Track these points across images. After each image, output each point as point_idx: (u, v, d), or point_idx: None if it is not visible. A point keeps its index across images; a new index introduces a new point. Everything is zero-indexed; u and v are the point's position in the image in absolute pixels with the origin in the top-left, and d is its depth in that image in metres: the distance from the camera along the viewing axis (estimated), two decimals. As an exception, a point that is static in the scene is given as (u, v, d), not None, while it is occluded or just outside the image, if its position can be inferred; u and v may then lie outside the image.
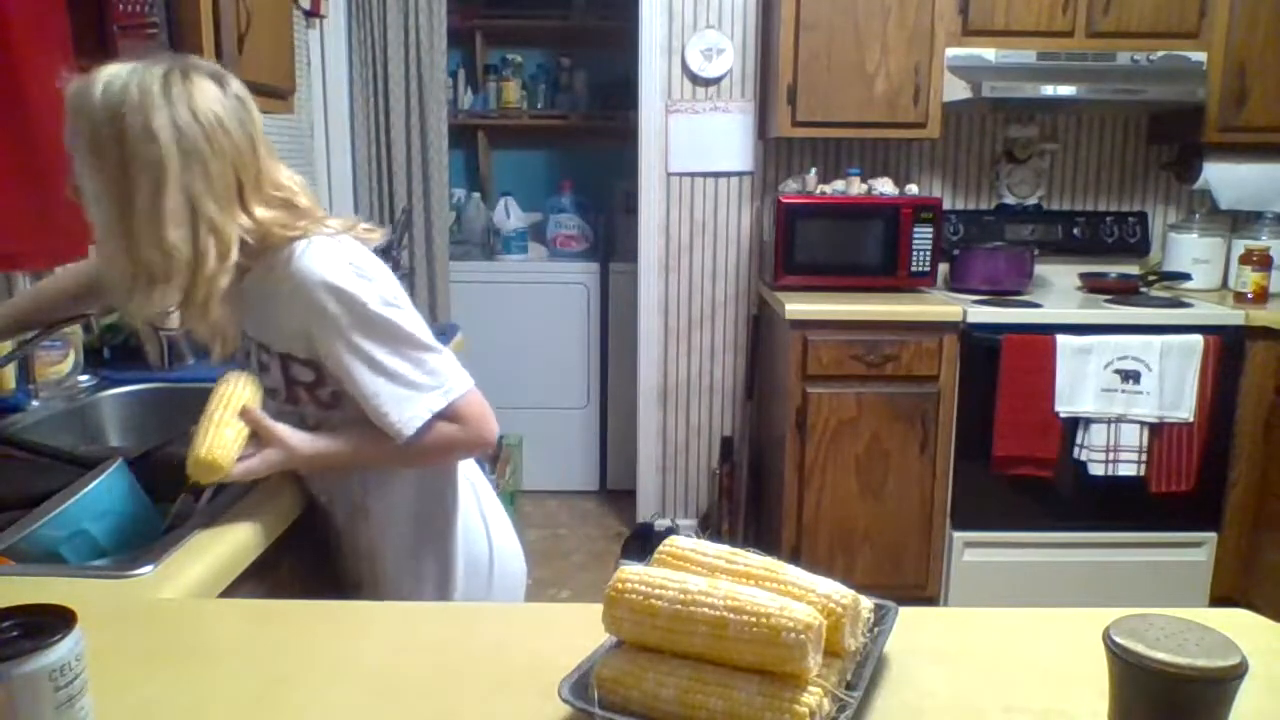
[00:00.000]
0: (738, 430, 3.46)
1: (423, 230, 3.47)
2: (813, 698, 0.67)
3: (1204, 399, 2.66)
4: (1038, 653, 0.85)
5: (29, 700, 0.61)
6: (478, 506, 1.34)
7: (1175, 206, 3.32)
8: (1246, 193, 3.11)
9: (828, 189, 3.07)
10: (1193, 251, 3.14)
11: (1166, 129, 3.20)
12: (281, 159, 1.18)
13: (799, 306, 2.75)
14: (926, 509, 2.80)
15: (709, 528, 3.47)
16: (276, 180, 1.13)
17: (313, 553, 1.33)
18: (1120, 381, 2.65)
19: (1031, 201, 3.30)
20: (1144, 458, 2.68)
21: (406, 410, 1.11)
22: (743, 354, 3.43)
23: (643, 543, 3.26)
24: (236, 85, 1.11)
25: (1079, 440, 2.69)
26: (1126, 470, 2.69)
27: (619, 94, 3.89)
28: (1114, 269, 3.18)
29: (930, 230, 2.93)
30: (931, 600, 2.87)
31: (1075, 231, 3.25)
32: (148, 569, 0.99)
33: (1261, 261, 2.86)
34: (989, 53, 2.86)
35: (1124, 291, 3.01)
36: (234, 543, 1.09)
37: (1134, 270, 3.21)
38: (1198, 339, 2.65)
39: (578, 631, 0.79)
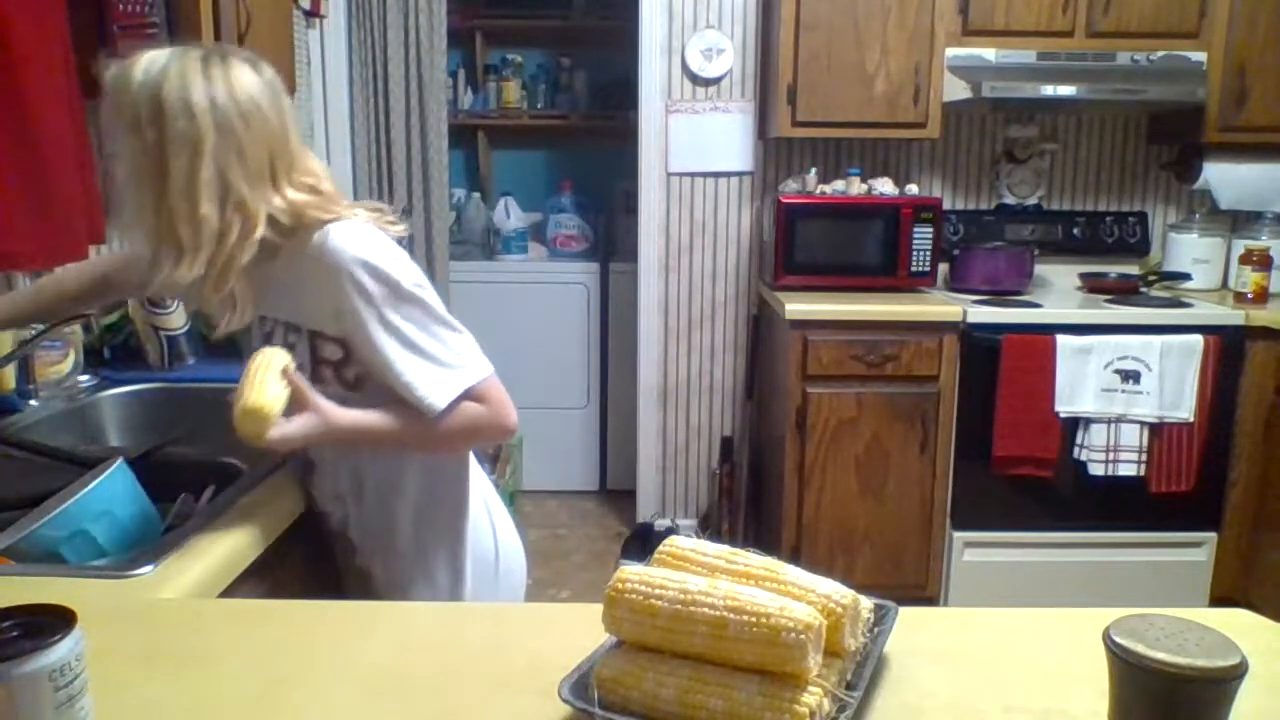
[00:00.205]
0: (738, 430, 3.46)
1: (423, 230, 3.47)
2: (813, 698, 0.67)
3: (1204, 399, 2.66)
4: (1038, 653, 0.85)
5: (29, 700, 0.61)
6: (484, 504, 1.35)
7: (1175, 206, 3.32)
8: (1246, 193, 3.11)
9: (828, 189, 3.07)
10: (1193, 251, 3.14)
11: (1166, 129, 3.20)
12: None
13: (799, 306, 2.75)
14: (926, 509, 2.80)
15: (709, 528, 3.47)
16: (307, 166, 1.16)
17: (313, 553, 1.33)
18: (1120, 381, 2.65)
19: (1031, 201, 3.30)
20: (1144, 458, 2.68)
21: (437, 386, 1.13)
22: (743, 354, 3.43)
23: (643, 543, 3.26)
24: (270, 73, 1.14)
25: (1079, 440, 2.69)
26: (1126, 470, 2.69)
27: (619, 94, 3.89)
28: (1114, 269, 3.18)
29: (930, 230, 2.93)
30: (931, 600, 2.87)
31: (1075, 231, 3.25)
32: (148, 569, 0.99)
33: (1261, 261, 2.86)
34: (989, 53, 2.86)
35: (1124, 291, 3.01)
36: (234, 543, 1.09)
37: (1134, 270, 3.21)
38: (1198, 339, 2.65)
39: (578, 631, 0.79)
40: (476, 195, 4.05)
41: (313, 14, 3.12)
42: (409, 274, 1.14)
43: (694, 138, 3.31)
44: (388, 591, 1.28)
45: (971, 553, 2.84)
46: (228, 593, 1.04)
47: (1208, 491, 2.75)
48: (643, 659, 0.72)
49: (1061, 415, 2.68)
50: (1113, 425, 2.67)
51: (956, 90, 2.85)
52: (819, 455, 2.76)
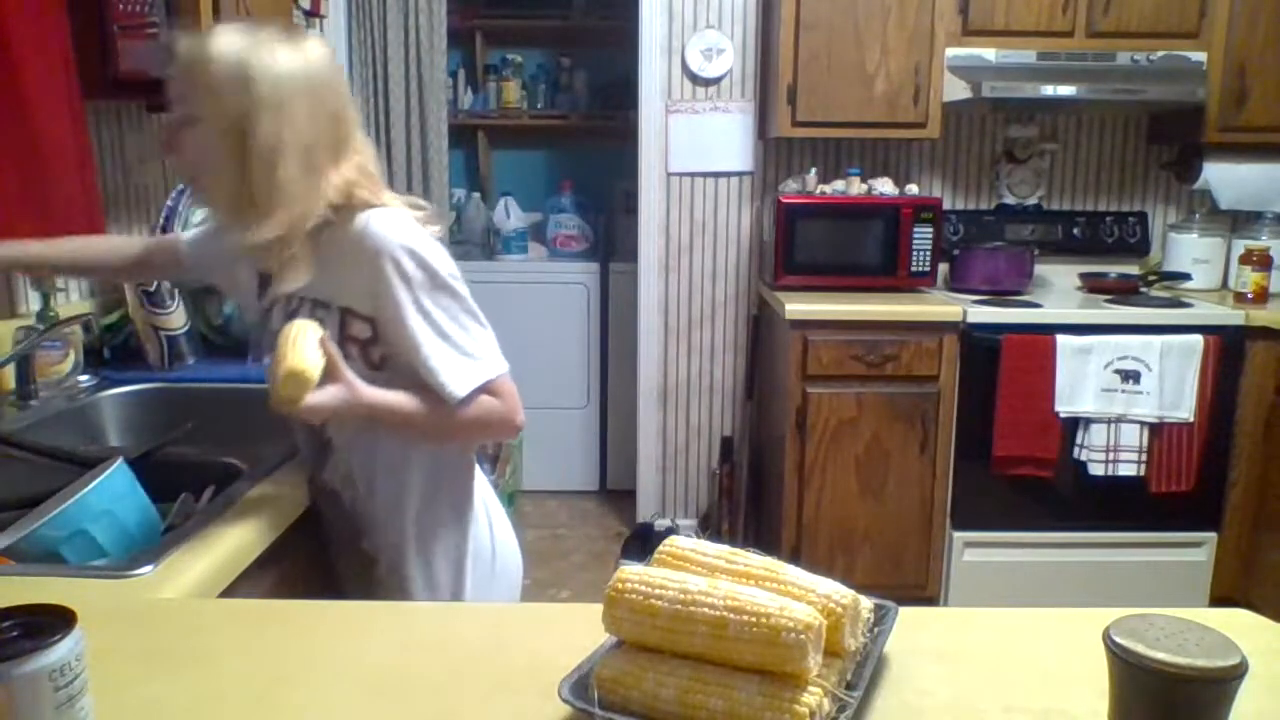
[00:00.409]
0: (738, 430, 3.46)
1: (423, 230, 3.46)
2: (813, 698, 0.67)
3: (1204, 399, 2.66)
4: (1038, 653, 0.85)
5: (29, 700, 0.61)
6: (483, 503, 1.36)
7: (1175, 206, 3.32)
8: (1246, 193, 3.11)
9: (828, 189, 3.07)
10: (1193, 251, 3.14)
11: (1166, 129, 3.20)
12: None
13: (799, 306, 2.75)
14: (926, 509, 2.80)
15: (709, 528, 3.47)
16: (361, 145, 1.21)
17: (313, 553, 1.33)
18: (1120, 381, 2.65)
19: (1031, 201, 3.30)
20: (1144, 458, 2.68)
21: (460, 374, 1.16)
22: (743, 354, 3.43)
23: (643, 543, 3.26)
24: (331, 50, 1.20)
25: (1079, 440, 2.69)
26: (1126, 470, 2.69)
27: (619, 94, 3.89)
28: (1114, 269, 3.19)
29: (930, 230, 2.93)
30: (931, 600, 2.87)
31: (1075, 231, 3.25)
32: (148, 569, 0.99)
33: (1261, 261, 2.86)
34: (989, 53, 2.86)
35: (1124, 291, 3.01)
36: (234, 543, 1.09)
37: (1134, 270, 3.21)
38: (1198, 339, 2.65)
39: (578, 631, 0.79)
40: (476, 195, 4.05)
41: (312, 14, 3.12)
42: (446, 264, 1.18)
43: (694, 138, 3.31)
44: (389, 579, 1.29)
45: (971, 553, 2.84)
46: (228, 593, 1.04)
47: (1208, 491, 2.75)
48: (643, 659, 0.72)
49: (1061, 415, 2.68)
50: (1113, 425, 2.67)
51: (956, 90, 2.85)
52: (819, 455, 2.76)
